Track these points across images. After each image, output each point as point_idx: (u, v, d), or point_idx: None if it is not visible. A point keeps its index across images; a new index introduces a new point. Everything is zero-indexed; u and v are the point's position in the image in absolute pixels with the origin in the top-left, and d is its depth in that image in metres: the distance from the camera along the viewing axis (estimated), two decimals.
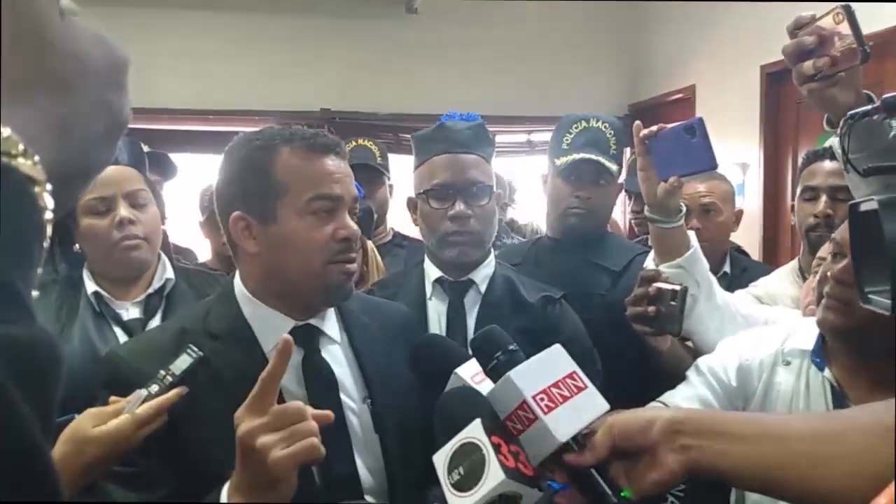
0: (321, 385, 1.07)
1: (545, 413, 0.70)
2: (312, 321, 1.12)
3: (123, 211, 1.39)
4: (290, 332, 1.07)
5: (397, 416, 1.10)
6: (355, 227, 1.09)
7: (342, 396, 1.09)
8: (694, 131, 1.36)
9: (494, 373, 0.76)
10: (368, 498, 1.06)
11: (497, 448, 0.69)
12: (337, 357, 1.13)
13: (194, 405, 0.99)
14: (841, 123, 1.04)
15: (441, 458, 0.71)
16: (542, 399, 0.70)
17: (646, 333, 1.41)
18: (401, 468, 1.08)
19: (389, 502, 1.07)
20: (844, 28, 1.07)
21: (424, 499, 0.97)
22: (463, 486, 0.68)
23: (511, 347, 0.77)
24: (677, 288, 1.35)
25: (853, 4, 1.08)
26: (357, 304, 1.20)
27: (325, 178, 1.07)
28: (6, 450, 0.29)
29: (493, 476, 0.67)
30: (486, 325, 0.83)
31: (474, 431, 0.70)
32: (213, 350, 1.03)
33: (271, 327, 1.08)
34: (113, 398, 1.04)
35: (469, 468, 0.68)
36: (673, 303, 1.34)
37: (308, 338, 1.10)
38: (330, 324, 1.14)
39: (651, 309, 1.36)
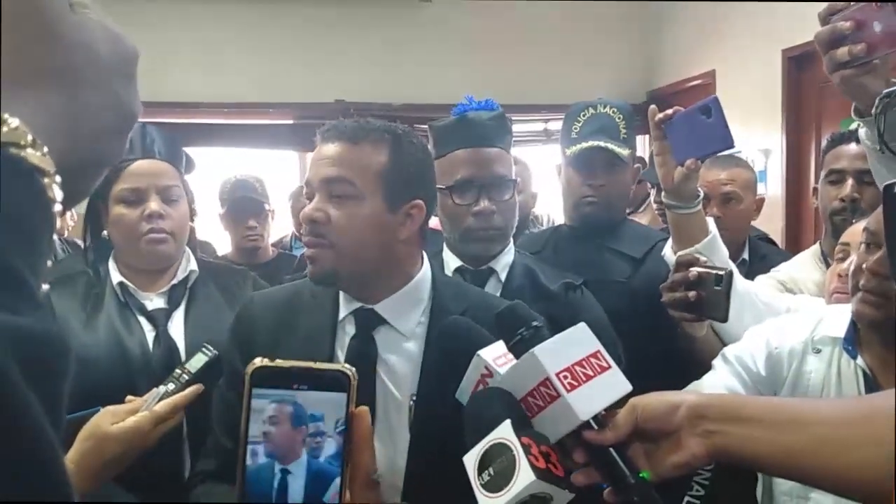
0: (356, 367, 1.08)
1: (568, 391, 0.69)
2: (377, 307, 1.12)
3: (154, 204, 1.40)
4: (351, 312, 1.15)
5: (440, 422, 1.04)
6: (311, 210, 1.08)
7: (390, 387, 1.10)
8: (709, 111, 1.34)
9: (518, 348, 0.76)
10: None
11: (527, 449, 0.68)
12: (400, 348, 1.12)
13: (274, 346, 1.09)
14: (876, 102, 1.02)
15: (471, 459, 0.71)
16: (565, 377, 0.70)
17: (685, 320, 1.38)
18: (424, 474, 1.06)
19: (402, 499, 1.06)
20: (881, 14, 1.04)
21: None
22: (493, 486, 0.68)
23: (535, 324, 0.76)
24: (722, 272, 1.30)
25: None
26: (455, 301, 1.16)
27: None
28: (12, 437, 0.28)
29: (524, 477, 0.67)
30: None
31: (504, 432, 0.70)
32: (306, 304, 1.17)
33: (345, 302, 1.16)
34: (129, 397, 1.06)
35: (499, 469, 0.69)
36: (717, 287, 1.29)
37: (363, 321, 1.13)
38: (403, 314, 1.13)
39: (692, 294, 1.32)
